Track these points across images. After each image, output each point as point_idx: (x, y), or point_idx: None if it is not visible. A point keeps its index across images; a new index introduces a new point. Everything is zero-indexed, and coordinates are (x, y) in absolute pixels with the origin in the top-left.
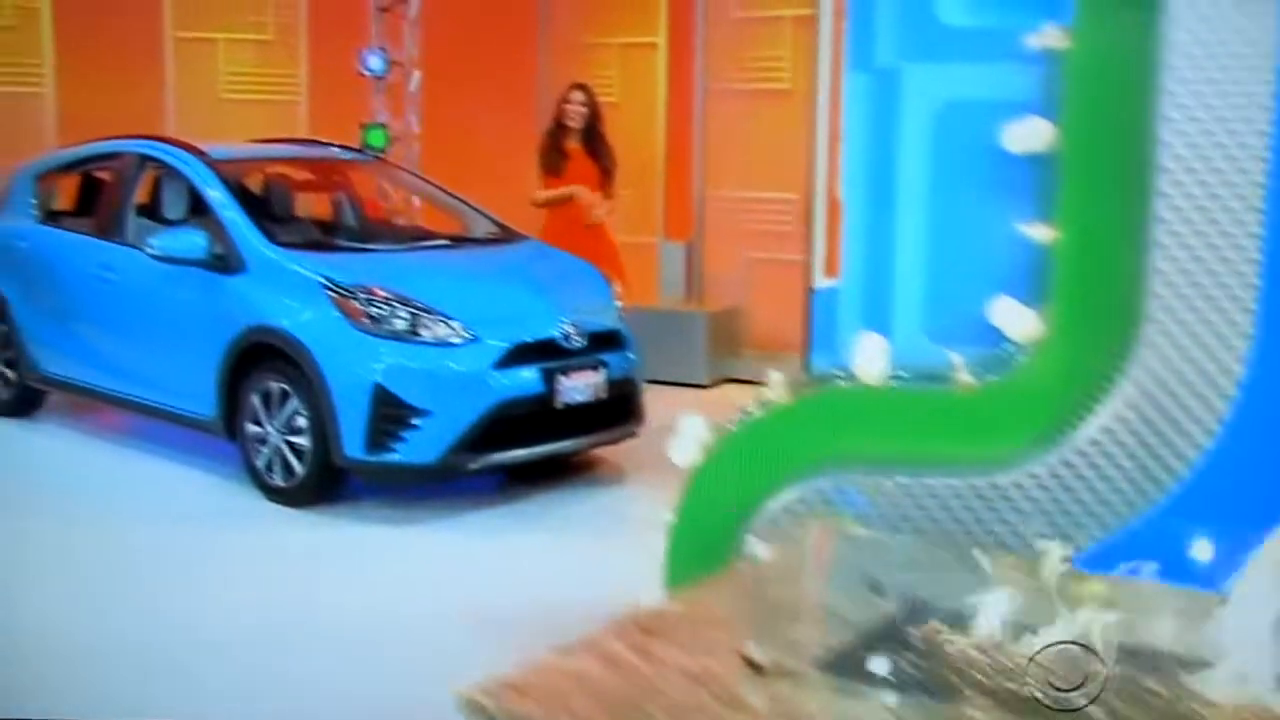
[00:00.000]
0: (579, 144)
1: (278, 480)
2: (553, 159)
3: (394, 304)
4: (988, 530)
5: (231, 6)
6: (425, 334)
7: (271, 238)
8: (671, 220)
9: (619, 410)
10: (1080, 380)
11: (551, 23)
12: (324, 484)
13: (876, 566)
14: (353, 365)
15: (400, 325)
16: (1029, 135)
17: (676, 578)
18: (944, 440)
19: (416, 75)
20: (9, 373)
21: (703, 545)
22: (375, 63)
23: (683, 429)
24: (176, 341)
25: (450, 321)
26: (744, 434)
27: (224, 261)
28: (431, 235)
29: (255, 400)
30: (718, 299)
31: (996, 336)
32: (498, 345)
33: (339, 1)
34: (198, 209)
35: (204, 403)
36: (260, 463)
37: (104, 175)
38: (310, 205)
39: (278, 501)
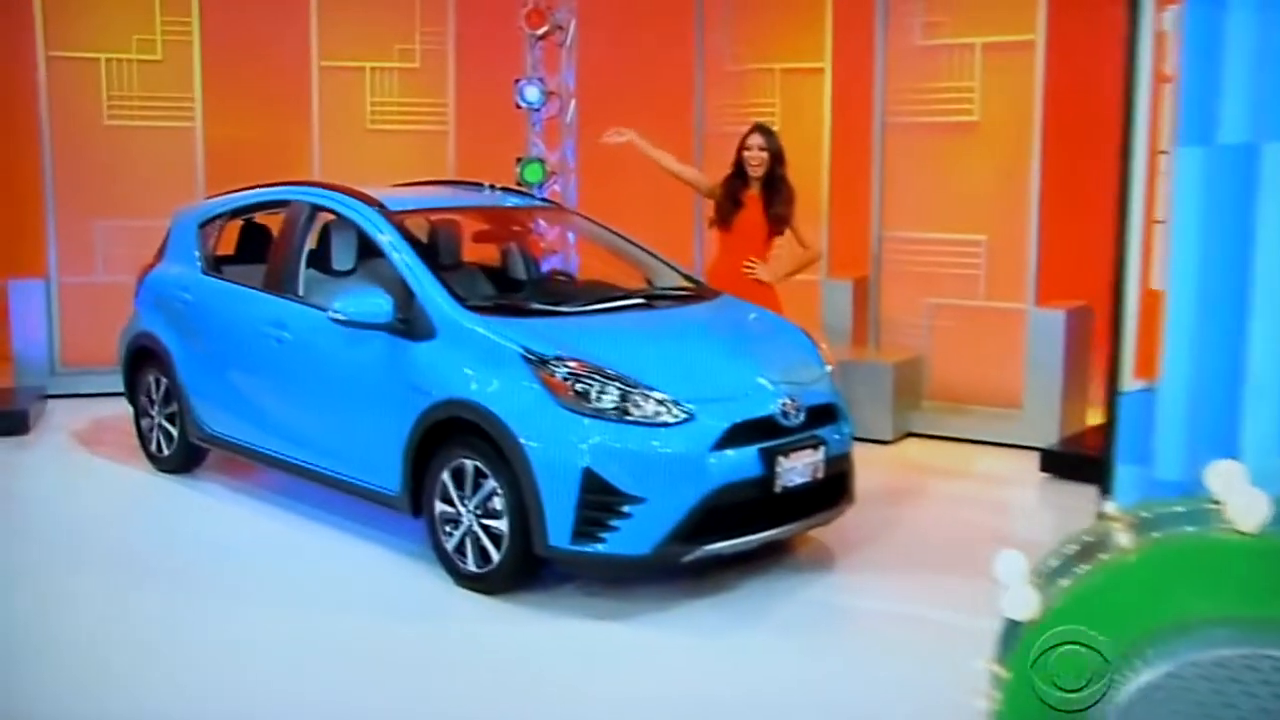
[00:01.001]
0: (758, 191)
1: (470, 566)
2: (724, 209)
3: (601, 379)
4: None
5: (378, 34)
6: (636, 412)
7: (462, 301)
8: (836, 257)
9: (834, 489)
10: None
11: (709, 46)
12: (521, 572)
13: None
14: (559, 447)
15: (610, 403)
16: None
17: None
18: None
19: (573, 105)
20: (171, 429)
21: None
22: (532, 94)
23: (1007, 574)
24: (357, 409)
25: (663, 398)
26: (1090, 587)
27: (410, 326)
28: (621, 292)
29: (446, 478)
30: (894, 345)
31: None
32: (716, 425)
33: (487, 28)
34: (365, 257)
35: (387, 476)
36: (450, 545)
37: (259, 219)
38: (483, 257)
39: (468, 587)
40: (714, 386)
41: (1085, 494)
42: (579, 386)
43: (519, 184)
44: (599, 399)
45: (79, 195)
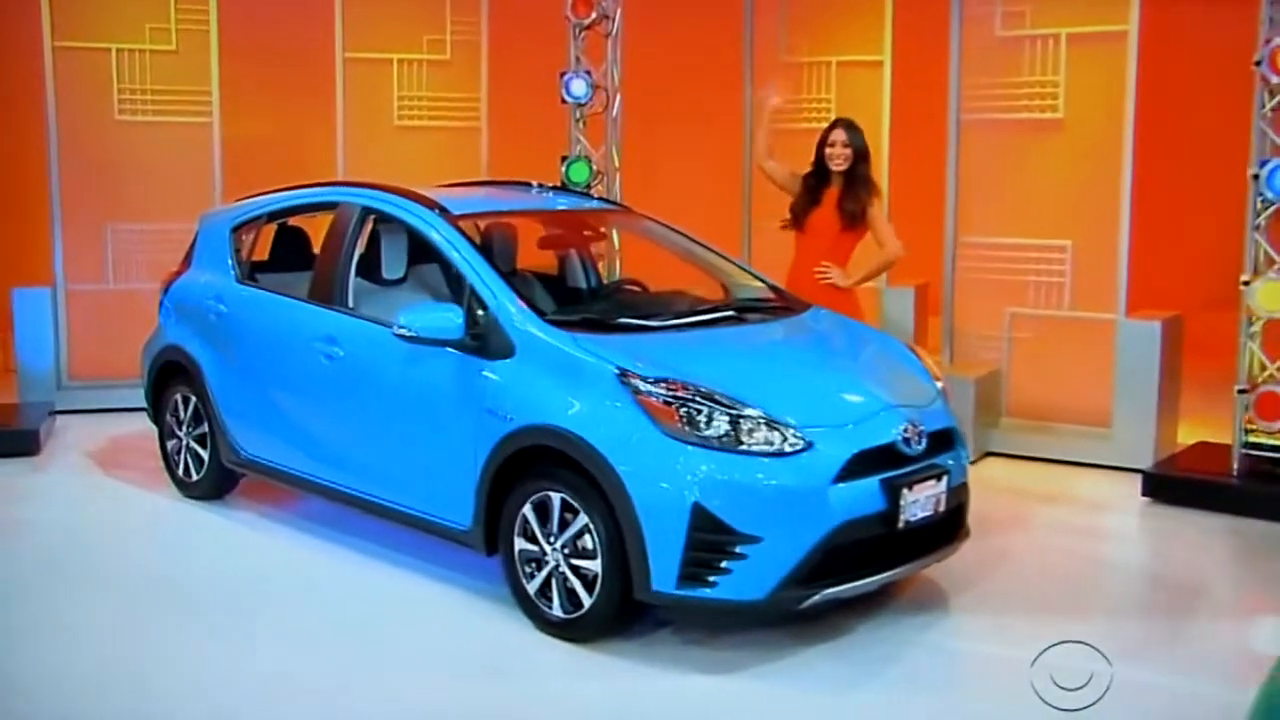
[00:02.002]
0: (839, 189)
1: (556, 611)
2: (798, 207)
3: (710, 402)
4: None
5: (406, 24)
6: (749, 441)
7: (542, 315)
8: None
9: (953, 522)
10: None
11: (759, 38)
12: (616, 619)
13: None
14: (664, 480)
15: (719, 430)
16: None
17: None
18: None
19: (618, 100)
20: (201, 451)
21: None
22: (579, 88)
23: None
24: (423, 435)
25: (779, 424)
26: None
27: (483, 343)
28: (708, 305)
29: (528, 512)
30: (969, 358)
31: None
32: (837, 454)
33: (522, 18)
34: (417, 264)
35: (456, 509)
36: (533, 587)
37: (292, 223)
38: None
39: (553, 635)
40: (830, 411)
41: (1197, 521)
42: (686, 411)
43: (563, 184)
44: (709, 425)
45: (87, 196)
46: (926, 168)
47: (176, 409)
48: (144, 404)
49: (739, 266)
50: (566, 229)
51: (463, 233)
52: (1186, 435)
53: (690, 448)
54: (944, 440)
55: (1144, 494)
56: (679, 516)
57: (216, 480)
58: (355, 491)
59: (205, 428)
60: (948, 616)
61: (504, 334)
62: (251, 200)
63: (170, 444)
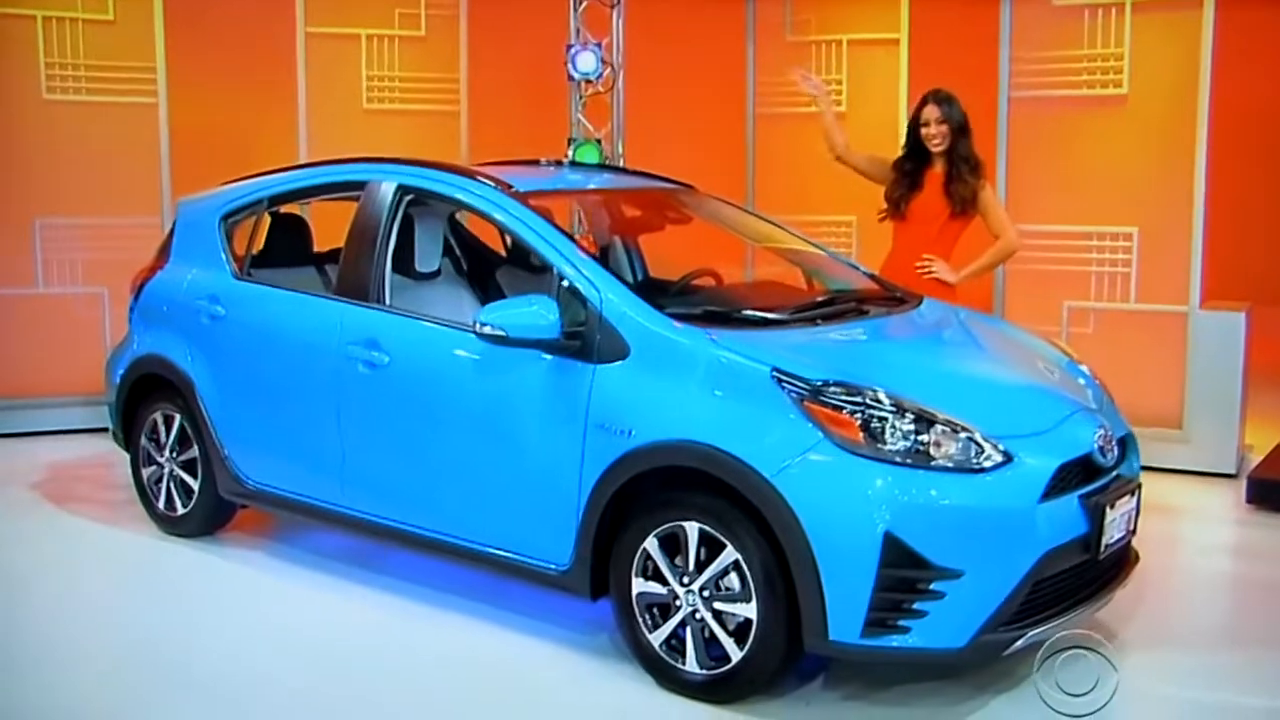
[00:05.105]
0: (942, 170)
1: (692, 667)
2: (896, 193)
3: (895, 410)
4: None
5: None
6: (938, 454)
7: (659, 308)
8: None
9: (1128, 545)
10: None
11: (763, 14)
12: (777, 674)
13: None
14: (845, 505)
15: (904, 443)
16: None
17: None
18: None
19: (621, 77)
20: (190, 480)
21: None
22: (587, 62)
23: None
24: (505, 457)
25: (974, 434)
26: None
27: (586, 342)
28: (823, 298)
29: (652, 547)
30: None
31: None
32: (1042, 467)
33: None
34: (451, 256)
35: (551, 546)
36: (657, 639)
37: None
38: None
39: (685, 696)
40: (1022, 416)
41: None
42: (865, 420)
43: (574, 163)
44: (896, 437)
45: (13, 187)
46: None
47: (155, 430)
48: (107, 424)
49: (834, 256)
50: (645, 210)
51: (541, 214)
52: (1253, 436)
53: (875, 464)
54: (1125, 448)
55: (1248, 501)
56: (867, 550)
57: (208, 514)
58: (407, 527)
59: (195, 452)
60: (1124, 653)
61: (614, 332)
62: (244, 183)
63: (148, 472)
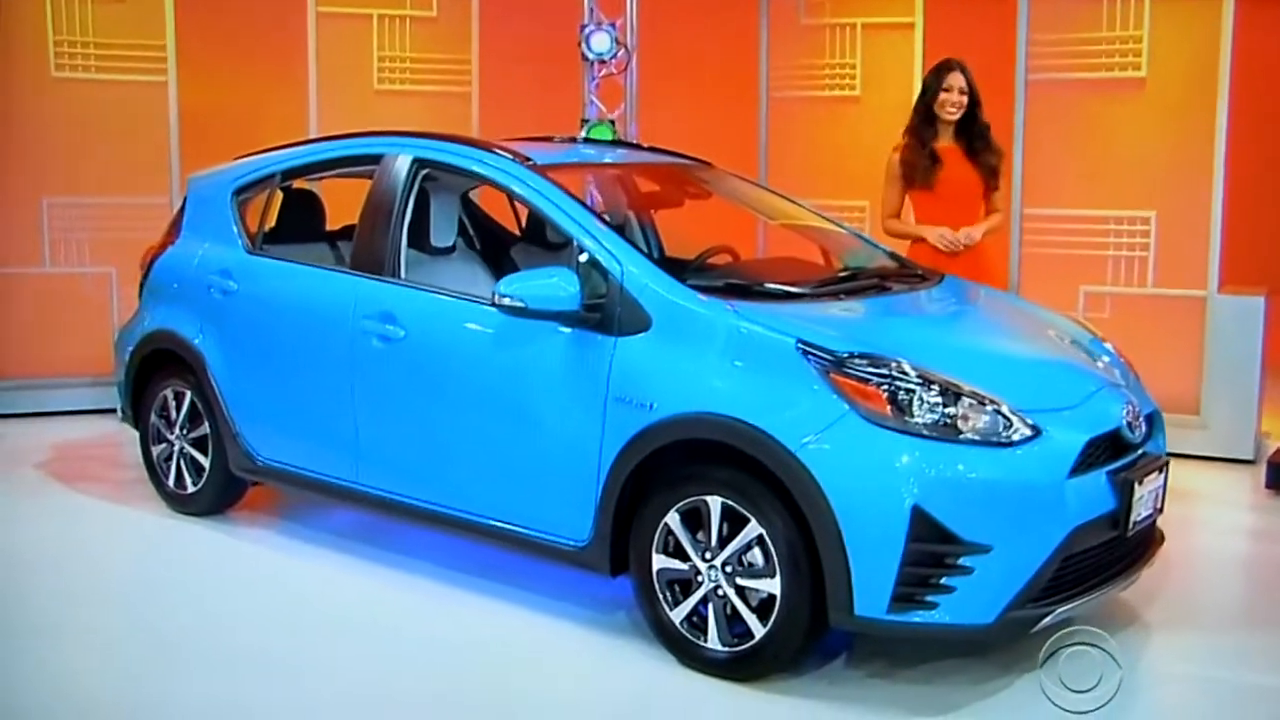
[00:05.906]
0: (953, 141)
1: (715, 644)
2: (919, 165)
3: (922, 382)
4: None
5: None
6: (968, 428)
7: (682, 279)
8: None
9: (1154, 524)
10: None
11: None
12: (800, 651)
13: None
14: (873, 478)
15: (932, 415)
16: None
17: None
18: None
19: (635, 58)
20: (200, 457)
21: None
22: (601, 42)
23: None
24: (524, 431)
25: (1002, 407)
26: None
27: (606, 315)
28: (845, 272)
29: (673, 522)
30: None
31: None
32: (1071, 441)
33: None
34: (466, 234)
35: (570, 522)
36: (678, 616)
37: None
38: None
39: (706, 673)
40: (1050, 390)
41: None
42: (893, 392)
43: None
44: (925, 410)
45: (20, 165)
46: None
47: (166, 407)
48: (115, 405)
49: (854, 234)
50: (664, 185)
51: (560, 186)
52: (1270, 423)
53: (904, 438)
54: (1151, 425)
55: (1267, 486)
56: (895, 524)
57: (219, 491)
58: (422, 503)
59: (206, 428)
60: (1151, 633)
61: (635, 303)
62: (257, 158)
63: (157, 450)
